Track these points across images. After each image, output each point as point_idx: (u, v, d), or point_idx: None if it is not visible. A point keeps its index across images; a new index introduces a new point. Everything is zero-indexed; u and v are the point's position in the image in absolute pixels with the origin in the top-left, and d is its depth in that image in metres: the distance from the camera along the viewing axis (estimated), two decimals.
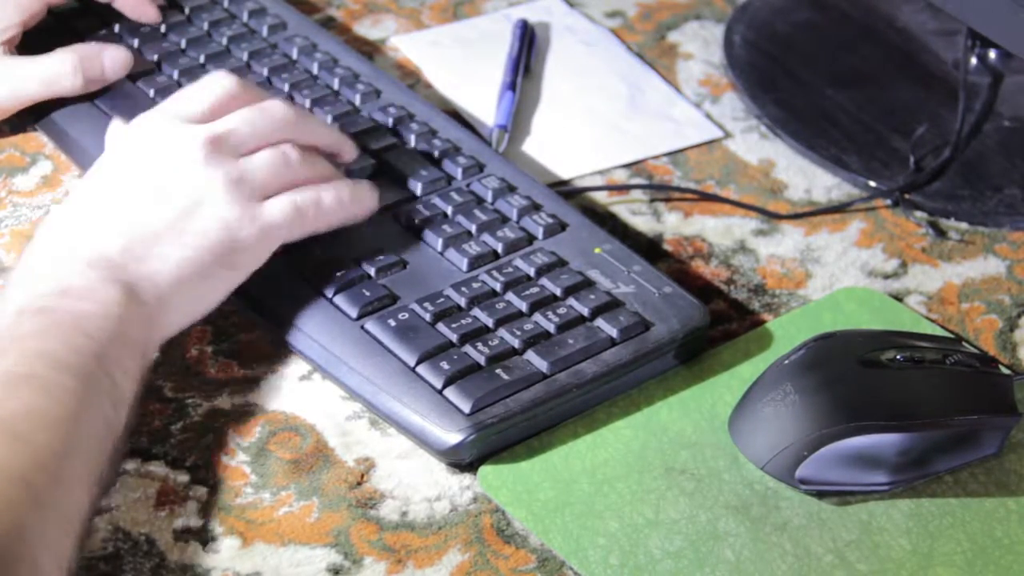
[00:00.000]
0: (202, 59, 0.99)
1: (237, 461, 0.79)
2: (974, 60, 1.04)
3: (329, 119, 0.95)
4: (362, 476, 0.78)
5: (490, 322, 0.82)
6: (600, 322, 0.83)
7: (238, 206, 0.80)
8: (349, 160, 0.89)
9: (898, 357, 0.79)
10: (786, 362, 0.80)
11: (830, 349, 0.80)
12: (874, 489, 0.78)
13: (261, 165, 0.82)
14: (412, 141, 0.94)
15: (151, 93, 0.96)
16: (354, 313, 0.83)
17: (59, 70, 0.93)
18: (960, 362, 0.80)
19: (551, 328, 0.82)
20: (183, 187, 0.79)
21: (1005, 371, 0.83)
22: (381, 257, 0.85)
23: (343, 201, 0.84)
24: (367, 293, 0.83)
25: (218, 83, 0.84)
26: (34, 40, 0.96)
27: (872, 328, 0.85)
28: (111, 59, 0.95)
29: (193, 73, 0.97)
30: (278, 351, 0.84)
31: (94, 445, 0.71)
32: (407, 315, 0.82)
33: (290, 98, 0.96)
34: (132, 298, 0.76)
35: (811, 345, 0.80)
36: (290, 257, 0.83)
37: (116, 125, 0.85)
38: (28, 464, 0.67)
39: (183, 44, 1.00)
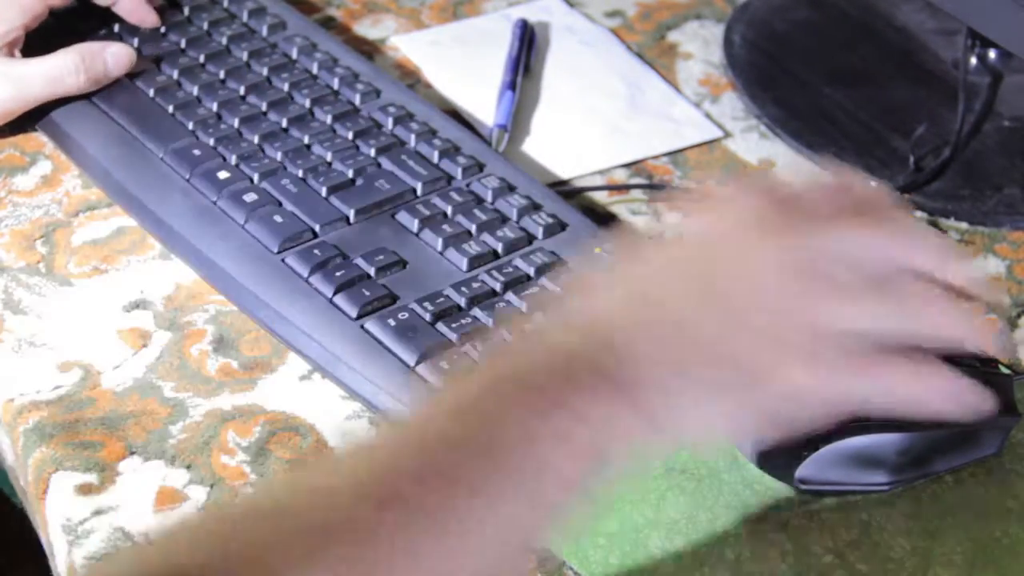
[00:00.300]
0: (202, 59, 0.99)
1: (237, 461, 0.79)
2: (974, 60, 1.04)
3: (329, 119, 0.95)
4: None
5: (490, 322, 0.82)
6: None
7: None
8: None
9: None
10: None
11: None
12: (874, 489, 0.78)
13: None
14: (412, 141, 0.94)
15: (151, 93, 0.96)
16: (354, 313, 0.83)
17: (63, 70, 0.93)
18: (959, 362, 0.80)
19: None
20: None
21: (1005, 371, 0.83)
22: (381, 257, 0.85)
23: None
24: (367, 293, 0.83)
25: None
26: (35, 41, 0.96)
27: None
28: (114, 57, 0.95)
29: (193, 73, 0.97)
30: (278, 351, 0.84)
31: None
32: (407, 315, 0.82)
33: (290, 98, 0.96)
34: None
35: None
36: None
37: (752, 188, 0.68)
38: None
39: (183, 44, 1.00)
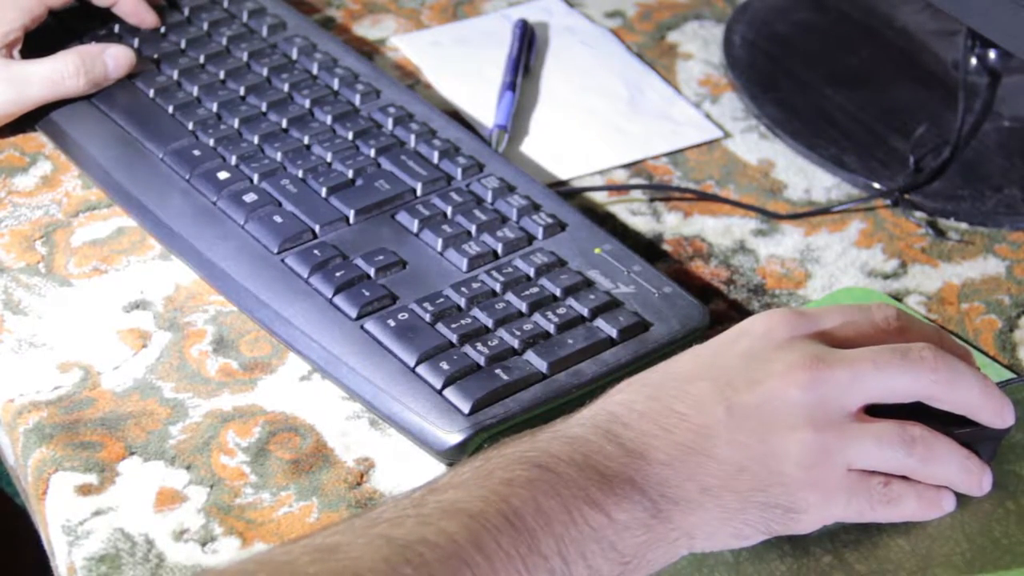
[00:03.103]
0: (202, 59, 0.99)
1: (237, 461, 0.79)
2: (974, 60, 1.04)
3: (329, 119, 0.95)
4: (362, 476, 0.78)
5: (490, 322, 0.82)
6: (600, 322, 0.83)
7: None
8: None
9: None
10: None
11: None
12: None
13: (873, 448, 0.71)
14: (412, 141, 0.94)
15: (151, 93, 0.96)
16: (354, 313, 0.83)
17: (63, 72, 0.93)
18: None
19: (551, 328, 0.82)
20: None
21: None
22: (381, 257, 0.85)
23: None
24: (367, 293, 0.83)
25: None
26: (35, 41, 0.96)
27: None
28: (113, 59, 0.95)
29: (193, 73, 0.97)
30: (278, 351, 0.84)
31: None
32: (407, 315, 0.82)
33: (290, 98, 0.96)
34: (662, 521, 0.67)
35: None
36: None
37: (795, 322, 0.72)
38: None
39: (183, 44, 1.00)
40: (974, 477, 0.74)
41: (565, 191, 0.96)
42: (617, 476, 0.66)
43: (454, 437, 0.77)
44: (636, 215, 0.95)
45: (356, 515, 0.65)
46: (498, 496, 0.63)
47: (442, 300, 0.83)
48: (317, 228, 0.87)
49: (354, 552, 0.60)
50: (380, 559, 0.60)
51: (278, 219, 0.87)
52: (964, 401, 0.72)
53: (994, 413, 0.73)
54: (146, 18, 1.00)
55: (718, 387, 0.69)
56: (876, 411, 0.73)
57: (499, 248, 0.87)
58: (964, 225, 0.97)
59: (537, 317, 0.83)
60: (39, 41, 0.96)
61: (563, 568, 0.64)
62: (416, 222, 0.88)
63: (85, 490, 0.77)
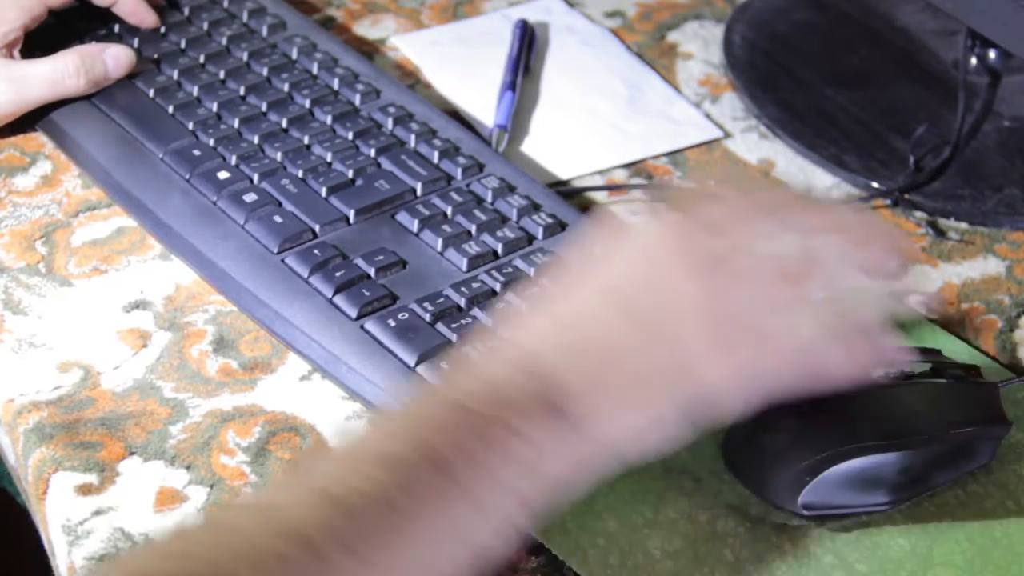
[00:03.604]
0: (202, 59, 0.99)
1: (237, 461, 0.79)
2: (974, 60, 1.04)
3: (329, 119, 0.95)
4: None
5: (490, 322, 0.82)
6: None
7: None
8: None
9: (888, 373, 0.78)
10: None
11: None
12: (876, 509, 0.77)
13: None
14: (412, 141, 0.94)
15: (151, 93, 0.96)
16: (354, 313, 0.83)
17: (63, 72, 0.93)
18: (948, 374, 0.80)
19: None
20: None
21: (989, 379, 0.83)
22: (381, 257, 0.85)
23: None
24: (367, 293, 0.83)
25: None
26: (35, 41, 0.96)
27: None
28: (114, 59, 0.95)
29: (193, 73, 0.97)
30: (278, 351, 0.84)
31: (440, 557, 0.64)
32: (407, 315, 0.82)
33: (290, 98, 0.96)
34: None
35: None
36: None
37: (662, 216, 0.73)
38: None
39: (183, 44, 1.00)
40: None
41: (565, 191, 0.96)
42: (534, 404, 0.67)
43: None
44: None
45: (294, 469, 0.68)
46: (423, 442, 0.65)
47: (442, 300, 0.83)
48: (317, 228, 0.87)
49: (296, 511, 0.62)
50: (320, 516, 0.62)
51: (278, 219, 0.87)
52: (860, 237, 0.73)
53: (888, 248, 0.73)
54: (146, 18, 1.00)
55: (620, 304, 0.70)
56: (870, 426, 0.73)
57: (499, 248, 0.87)
58: (964, 225, 0.97)
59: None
60: (39, 41, 0.96)
61: (493, 500, 0.65)
62: (416, 222, 0.88)
63: (85, 490, 0.77)
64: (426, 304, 0.83)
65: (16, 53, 0.95)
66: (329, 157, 0.92)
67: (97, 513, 0.76)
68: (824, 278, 0.71)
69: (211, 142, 0.93)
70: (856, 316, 0.71)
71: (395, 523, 0.63)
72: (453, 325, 0.81)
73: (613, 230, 0.73)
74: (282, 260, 0.86)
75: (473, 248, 0.87)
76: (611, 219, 0.74)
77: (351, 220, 0.88)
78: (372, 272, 0.85)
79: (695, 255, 0.70)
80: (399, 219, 0.89)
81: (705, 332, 0.69)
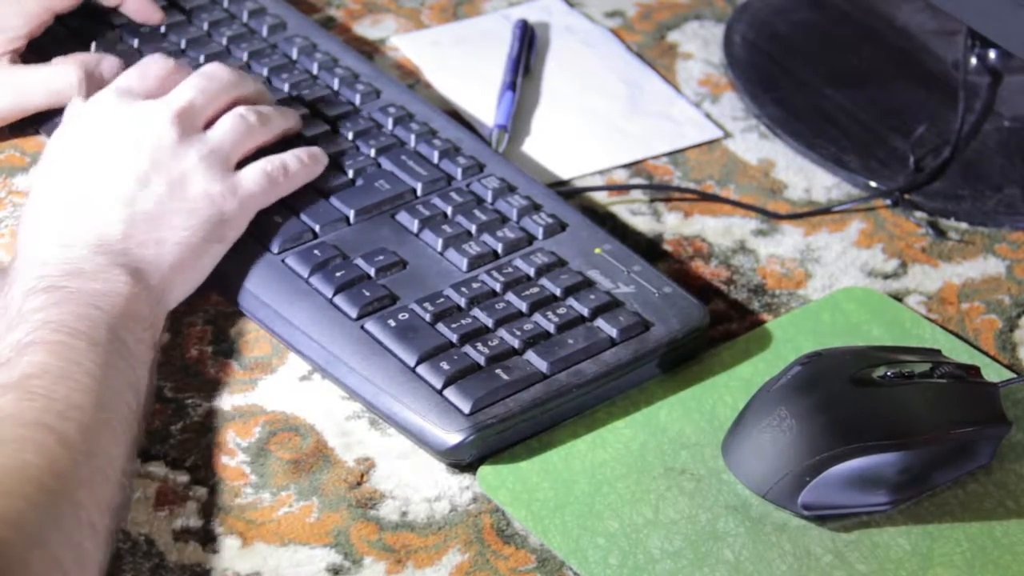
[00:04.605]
0: (202, 59, 0.99)
1: (237, 461, 0.79)
2: (974, 60, 1.04)
3: (329, 119, 0.95)
4: (362, 476, 0.78)
5: (490, 322, 0.82)
6: (600, 322, 0.83)
7: (218, 181, 0.84)
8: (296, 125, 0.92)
9: (889, 373, 0.78)
10: (776, 386, 0.79)
11: (819, 370, 0.79)
12: (875, 509, 0.77)
13: (226, 134, 0.86)
14: (412, 141, 0.94)
15: None
16: (354, 313, 0.83)
17: (63, 83, 0.92)
18: (948, 374, 0.80)
19: (551, 328, 0.82)
20: (164, 169, 0.83)
21: (989, 379, 0.83)
22: (381, 257, 0.85)
23: (304, 162, 0.88)
24: (367, 293, 0.83)
25: (156, 61, 0.89)
26: (35, 40, 0.96)
27: (854, 344, 0.84)
28: (109, 70, 0.94)
29: None
30: (278, 351, 0.84)
31: (117, 400, 0.74)
32: (407, 315, 0.82)
33: (290, 98, 0.96)
34: (138, 279, 0.79)
35: (798, 367, 0.79)
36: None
37: (76, 104, 0.87)
38: (48, 414, 0.70)
39: (183, 44, 1.00)
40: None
41: (565, 191, 0.96)
42: (103, 273, 0.78)
43: (454, 437, 0.77)
44: (636, 215, 0.95)
45: None
46: (35, 328, 0.74)
47: (442, 300, 0.83)
48: (317, 228, 0.87)
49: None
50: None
51: (278, 219, 0.87)
52: (260, 92, 0.91)
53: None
54: (152, 15, 1.00)
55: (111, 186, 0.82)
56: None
57: (499, 248, 0.87)
58: (964, 225, 0.97)
59: (537, 317, 0.83)
60: (39, 40, 0.96)
61: (122, 349, 0.76)
62: (416, 222, 0.88)
63: None
64: (426, 304, 0.83)
65: (18, 59, 0.95)
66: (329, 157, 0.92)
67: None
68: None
69: None
70: None
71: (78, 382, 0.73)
72: (453, 325, 0.81)
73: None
74: (282, 260, 0.86)
75: (473, 248, 0.87)
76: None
77: (351, 220, 0.88)
78: (372, 272, 0.85)
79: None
80: (399, 219, 0.89)
81: (202, 168, 0.83)
